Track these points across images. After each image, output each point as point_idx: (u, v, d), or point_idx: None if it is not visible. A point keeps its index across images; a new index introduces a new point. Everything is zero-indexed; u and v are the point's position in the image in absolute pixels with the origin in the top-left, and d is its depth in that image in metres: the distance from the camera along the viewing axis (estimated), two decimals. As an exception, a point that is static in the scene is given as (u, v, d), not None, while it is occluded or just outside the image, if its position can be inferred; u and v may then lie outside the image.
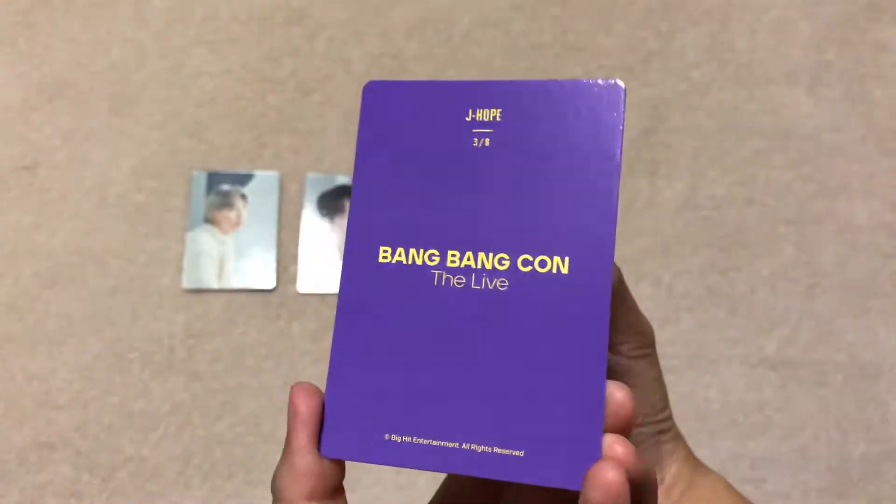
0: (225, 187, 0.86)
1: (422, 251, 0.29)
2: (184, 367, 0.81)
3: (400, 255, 0.29)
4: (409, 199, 0.29)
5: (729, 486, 0.37)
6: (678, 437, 0.36)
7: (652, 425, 0.35)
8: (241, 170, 0.88)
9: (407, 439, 0.27)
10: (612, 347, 0.33)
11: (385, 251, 0.29)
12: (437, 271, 0.29)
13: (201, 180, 0.87)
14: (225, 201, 0.86)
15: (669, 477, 0.35)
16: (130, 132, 0.89)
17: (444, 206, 0.29)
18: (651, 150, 0.91)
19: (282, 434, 0.78)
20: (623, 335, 0.33)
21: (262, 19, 0.95)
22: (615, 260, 0.33)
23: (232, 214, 0.86)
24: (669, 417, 0.35)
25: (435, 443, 0.27)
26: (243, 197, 0.86)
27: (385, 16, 0.96)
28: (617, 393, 0.26)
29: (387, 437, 0.27)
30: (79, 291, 0.83)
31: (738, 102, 0.94)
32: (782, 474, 0.79)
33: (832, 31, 0.98)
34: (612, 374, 0.33)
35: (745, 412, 0.81)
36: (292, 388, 0.28)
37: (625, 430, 0.26)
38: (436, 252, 0.29)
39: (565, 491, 0.26)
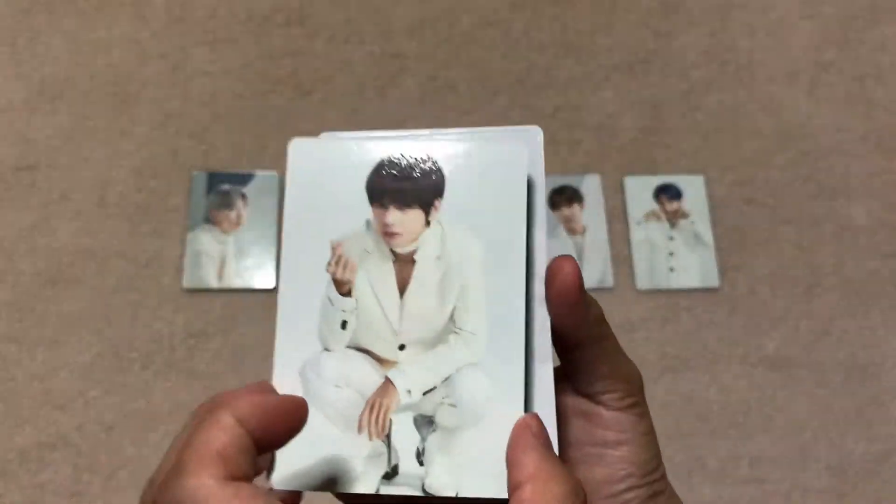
0: (225, 187, 0.86)
1: None
2: (184, 366, 0.80)
3: None
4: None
5: None
6: (673, 497, 0.32)
7: (644, 487, 0.30)
8: (241, 170, 0.88)
9: None
10: (594, 397, 0.30)
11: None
12: None
13: (201, 180, 0.87)
14: (225, 201, 0.86)
15: None
16: (130, 132, 0.89)
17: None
18: (651, 150, 0.91)
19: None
20: (605, 382, 0.30)
21: (262, 19, 0.95)
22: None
23: (232, 214, 0.86)
24: (663, 476, 0.31)
25: None
26: (243, 197, 0.86)
27: (385, 16, 0.96)
28: (566, 265, 0.28)
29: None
30: (79, 291, 0.83)
31: (738, 102, 0.94)
32: (782, 474, 0.79)
33: (832, 31, 0.98)
34: (597, 427, 0.30)
35: (745, 412, 0.81)
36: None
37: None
38: None
39: None
